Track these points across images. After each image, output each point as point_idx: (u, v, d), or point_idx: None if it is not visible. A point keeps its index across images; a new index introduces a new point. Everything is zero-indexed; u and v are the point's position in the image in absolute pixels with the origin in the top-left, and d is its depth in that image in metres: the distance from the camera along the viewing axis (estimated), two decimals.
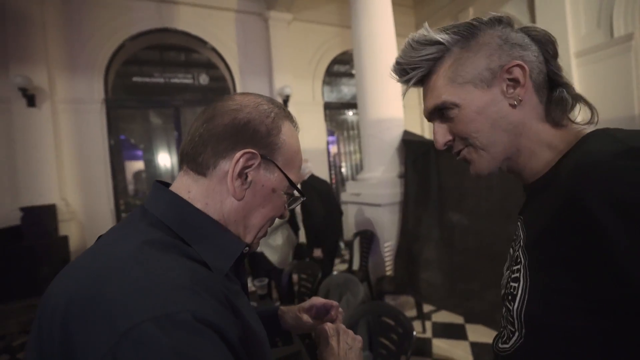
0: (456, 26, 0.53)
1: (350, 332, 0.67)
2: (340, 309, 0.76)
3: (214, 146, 0.47)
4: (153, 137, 7.84)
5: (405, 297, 3.12)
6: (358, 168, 6.83)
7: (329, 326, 0.67)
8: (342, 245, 5.53)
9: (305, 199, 0.56)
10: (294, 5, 5.14)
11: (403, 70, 0.56)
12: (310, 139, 5.32)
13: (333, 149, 7.21)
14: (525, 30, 0.52)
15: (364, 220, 3.50)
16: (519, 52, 0.50)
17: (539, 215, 0.48)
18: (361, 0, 3.46)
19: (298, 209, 3.31)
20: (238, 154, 0.46)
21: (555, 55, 0.51)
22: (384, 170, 3.39)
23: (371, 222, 3.40)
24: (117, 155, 4.77)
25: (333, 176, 6.19)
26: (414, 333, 1.36)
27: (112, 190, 4.36)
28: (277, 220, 0.59)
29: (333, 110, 6.29)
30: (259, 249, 2.72)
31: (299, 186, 0.56)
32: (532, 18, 4.24)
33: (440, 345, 2.53)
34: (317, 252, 2.98)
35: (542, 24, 3.72)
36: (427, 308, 3.05)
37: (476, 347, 2.43)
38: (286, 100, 5.11)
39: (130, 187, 7.73)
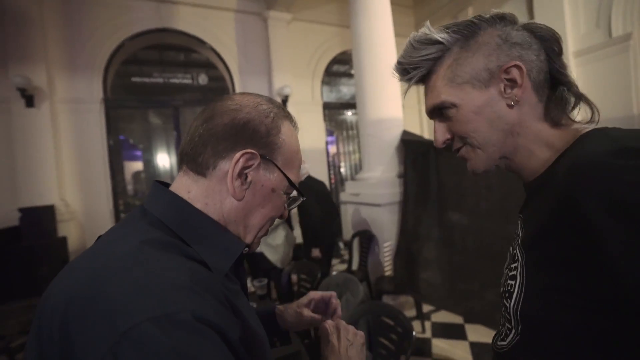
0: (457, 25, 0.53)
1: (352, 328, 0.67)
2: (337, 300, 0.76)
3: (213, 146, 0.47)
4: (152, 137, 7.83)
5: (404, 297, 3.13)
6: (357, 168, 6.84)
7: (329, 324, 0.66)
8: (341, 245, 5.54)
9: (305, 198, 0.56)
10: (294, 5, 5.14)
11: (404, 69, 0.56)
12: (310, 139, 5.33)
13: (332, 149, 7.21)
14: (529, 28, 0.51)
15: (363, 220, 3.50)
16: (518, 51, 0.50)
17: (536, 213, 0.49)
18: (360, 0, 3.47)
19: (294, 210, 3.31)
20: (238, 154, 0.46)
21: (559, 52, 0.51)
22: (383, 170, 3.40)
23: (370, 222, 3.40)
24: (116, 156, 4.77)
25: (332, 176, 6.19)
26: (414, 333, 1.36)
27: (111, 190, 4.36)
28: (276, 220, 0.59)
29: (332, 110, 6.30)
30: (258, 249, 2.73)
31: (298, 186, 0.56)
32: (531, 18, 4.25)
33: (439, 345, 2.53)
34: (316, 252, 3.01)
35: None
36: (426, 308, 3.05)
37: (476, 347, 2.43)
38: (285, 100, 5.11)
39: (130, 188, 7.72)
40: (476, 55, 0.51)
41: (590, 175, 0.38)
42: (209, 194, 0.48)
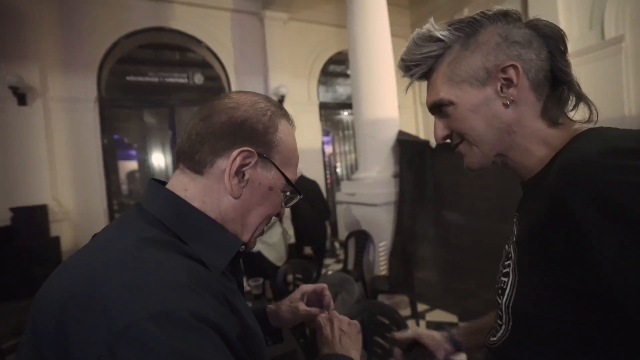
0: (460, 22, 0.53)
1: (345, 318, 0.67)
2: (329, 293, 0.77)
3: (211, 144, 0.47)
4: (147, 137, 7.77)
5: (399, 296, 3.14)
6: (353, 168, 6.84)
7: (322, 317, 0.67)
8: (337, 245, 5.55)
9: (301, 196, 0.56)
10: (290, 4, 5.13)
11: (407, 66, 0.57)
12: (306, 139, 5.32)
13: (328, 149, 7.22)
14: (532, 25, 0.51)
15: (359, 219, 3.51)
16: (517, 50, 0.49)
17: (531, 212, 0.50)
18: (357, 1, 3.47)
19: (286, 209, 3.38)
20: (235, 152, 0.46)
21: (564, 50, 0.50)
22: (379, 170, 3.41)
23: (366, 222, 3.41)
24: (111, 155, 4.73)
25: (328, 176, 6.19)
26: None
27: (105, 190, 4.31)
28: (272, 218, 0.59)
29: (328, 110, 6.30)
30: (255, 248, 2.73)
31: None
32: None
33: None
34: (307, 250, 3.09)
35: None
36: (421, 307, 3.07)
37: None
38: (281, 100, 5.10)
39: (124, 187, 7.65)
40: (475, 54, 0.51)
41: (580, 174, 0.39)
42: (206, 192, 0.48)
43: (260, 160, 0.49)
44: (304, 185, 3.04)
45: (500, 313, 0.52)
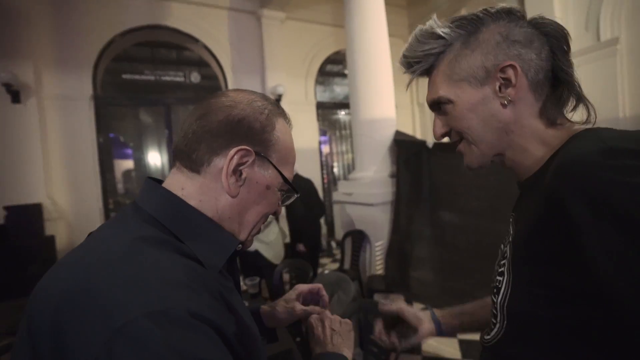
0: (462, 19, 0.53)
1: (337, 317, 0.69)
2: (325, 293, 0.78)
3: (208, 143, 0.47)
4: (143, 136, 7.72)
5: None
6: (350, 168, 6.85)
7: (313, 318, 0.69)
8: (333, 244, 5.56)
9: (299, 195, 0.56)
10: (288, 4, 5.12)
11: (408, 62, 0.57)
12: (303, 139, 5.32)
13: (325, 148, 7.21)
14: (535, 24, 0.51)
15: (355, 219, 3.51)
16: (517, 49, 0.49)
17: (527, 211, 0.50)
18: (355, 0, 3.47)
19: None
20: (232, 151, 0.46)
21: (567, 49, 0.50)
22: (376, 169, 3.41)
23: (363, 221, 3.42)
24: (107, 154, 4.69)
25: (325, 176, 6.19)
26: None
27: (100, 189, 4.29)
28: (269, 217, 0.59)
29: (325, 110, 6.30)
30: (253, 247, 2.74)
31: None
32: None
33: (429, 342, 2.55)
34: (300, 247, 3.16)
35: None
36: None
37: (464, 344, 2.47)
38: (279, 99, 5.09)
39: (120, 186, 7.60)
40: (475, 52, 0.51)
41: (576, 173, 0.39)
42: (203, 190, 0.48)
43: (258, 158, 0.49)
44: (298, 184, 3.06)
45: (495, 312, 0.53)
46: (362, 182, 3.46)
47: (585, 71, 3.67)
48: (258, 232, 0.55)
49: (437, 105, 0.57)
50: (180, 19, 4.68)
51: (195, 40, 4.83)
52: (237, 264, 0.57)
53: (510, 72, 0.49)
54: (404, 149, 3.37)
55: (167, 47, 5.31)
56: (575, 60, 0.51)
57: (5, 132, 3.68)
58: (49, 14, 4.01)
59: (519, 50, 0.49)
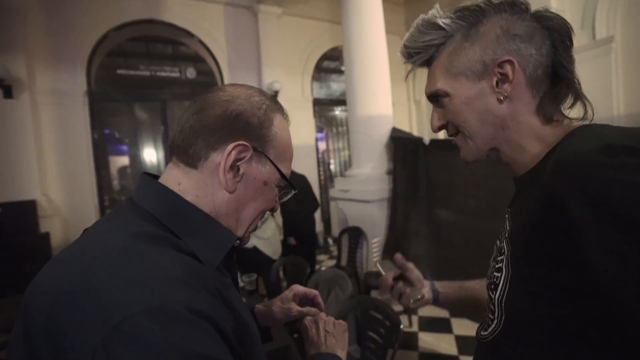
0: (464, 10, 0.52)
1: (331, 319, 0.70)
2: (320, 300, 0.78)
3: (205, 138, 0.46)
4: (139, 132, 7.65)
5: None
6: (347, 165, 6.85)
7: (307, 320, 0.70)
8: (330, 241, 5.57)
9: (296, 191, 0.56)
10: None
11: (409, 53, 0.57)
12: (299, 136, 5.30)
13: (322, 145, 7.21)
14: (538, 17, 0.50)
15: (352, 216, 3.52)
16: (517, 44, 0.48)
17: (524, 208, 0.50)
18: None
19: None
20: (230, 146, 0.46)
21: (570, 44, 0.49)
22: (372, 166, 3.42)
23: (359, 218, 3.42)
24: (102, 150, 4.65)
25: (322, 173, 6.19)
26: (401, 327, 1.38)
27: (96, 185, 4.25)
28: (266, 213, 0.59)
29: (322, 107, 6.28)
30: (251, 244, 2.75)
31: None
32: None
33: (426, 338, 2.58)
34: (291, 241, 3.22)
35: None
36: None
37: (460, 340, 2.49)
38: (275, 95, 5.06)
39: (115, 183, 7.54)
40: (474, 46, 0.51)
41: (574, 171, 0.38)
42: (200, 186, 0.47)
43: (255, 154, 0.48)
44: (292, 180, 3.07)
45: (492, 308, 0.53)
46: (359, 179, 3.47)
47: (580, 69, 3.64)
48: (255, 228, 0.54)
49: (435, 98, 0.56)
50: (176, 13, 4.63)
51: (191, 35, 4.79)
52: (234, 261, 0.57)
53: (507, 68, 0.48)
54: (401, 146, 3.37)
55: (162, 42, 5.26)
56: None
57: None
58: (42, 8, 3.94)
59: (519, 45, 0.48)
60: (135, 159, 7.83)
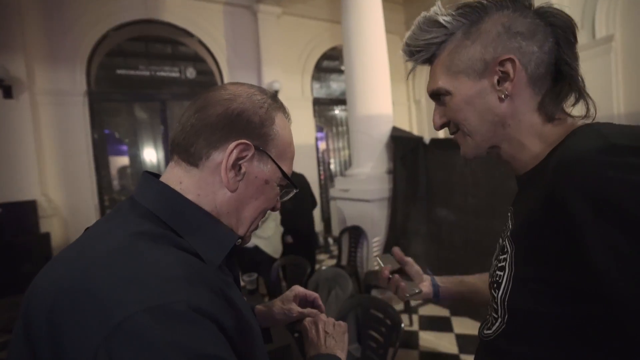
0: (465, 7, 0.51)
1: (331, 320, 0.70)
2: (321, 303, 0.78)
3: (206, 136, 0.46)
4: (139, 132, 7.65)
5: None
6: (347, 164, 6.85)
7: (307, 321, 0.70)
8: (331, 240, 5.57)
9: (297, 190, 0.56)
10: None
11: (410, 51, 0.57)
12: (299, 135, 5.30)
13: (322, 145, 7.21)
14: (541, 13, 0.49)
15: (352, 215, 3.52)
16: (518, 42, 0.48)
17: (526, 206, 0.49)
18: None
19: None
20: (232, 145, 0.45)
21: (574, 41, 0.48)
22: (372, 166, 3.42)
23: (360, 218, 3.42)
24: (101, 150, 4.65)
25: (322, 172, 6.19)
26: (402, 325, 1.38)
27: (95, 185, 4.25)
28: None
29: (322, 106, 6.28)
30: (251, 243, 2.75)
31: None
32: None
33: (426, 337, 2.58)
34: (288, 239, 3.24)
35: None
36: (414, 302, 3.10)
37: (461, 339, 2.49)
38: (275, 95, 5.07)
39: (115, 183, 7.54)
40: (475, 44, 0.50)
41: (577, 171, 0.38)
42: (201, 185, 0.47)
43: (257, 153, 0.48)
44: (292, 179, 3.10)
45: (495, 306, 0.52)
46: (359, 179, 3.47)
47: (580, 68, 3.69)
48: (256, 227, 0.54)
49: (436, 96, 0.56)
50: (175, 13, 4.62)
51: (191, 35, 4.78)
52: (236, 260, 0.56)
53: (508, 66, 0.48)
54: (401, 145, 3.37)
55: (162, 42, 5.25)
56: None
57: None
58: (41, 7, 3.93)
59: (520, 43, 0.48)
60: (135, 159, 7.82)
